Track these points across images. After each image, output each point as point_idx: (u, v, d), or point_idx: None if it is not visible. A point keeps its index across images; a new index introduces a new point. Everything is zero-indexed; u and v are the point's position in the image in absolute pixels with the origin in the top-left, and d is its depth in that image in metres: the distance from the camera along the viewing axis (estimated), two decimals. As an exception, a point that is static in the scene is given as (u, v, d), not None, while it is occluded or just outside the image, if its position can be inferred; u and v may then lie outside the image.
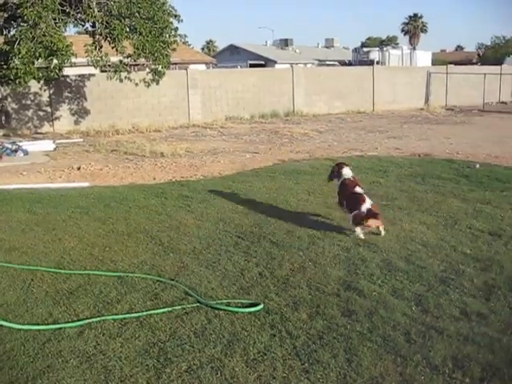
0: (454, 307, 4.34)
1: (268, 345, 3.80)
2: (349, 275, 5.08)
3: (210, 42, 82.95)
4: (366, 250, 5.79)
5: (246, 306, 4.41)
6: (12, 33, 15.45)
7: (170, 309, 4.39)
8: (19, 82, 14.19)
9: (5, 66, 14.63)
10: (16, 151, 13.93)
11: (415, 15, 72.90)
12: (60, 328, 4.10)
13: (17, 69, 13.61)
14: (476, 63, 50.20)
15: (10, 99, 19.47)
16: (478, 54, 63.18)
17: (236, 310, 4.34)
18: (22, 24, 13.77)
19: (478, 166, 10.79)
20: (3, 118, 18.81)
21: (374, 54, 42.34)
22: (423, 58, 43.10)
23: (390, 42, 72.38)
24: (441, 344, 3.76)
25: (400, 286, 4.81)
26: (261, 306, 4.37)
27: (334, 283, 4.89)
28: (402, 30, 73.99)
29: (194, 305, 4.47)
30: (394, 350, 3.69)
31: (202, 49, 76.03)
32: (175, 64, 26.18)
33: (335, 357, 3.63)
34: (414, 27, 72.37)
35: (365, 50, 47.44)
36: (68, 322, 4.20)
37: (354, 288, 4.76)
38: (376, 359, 3.59)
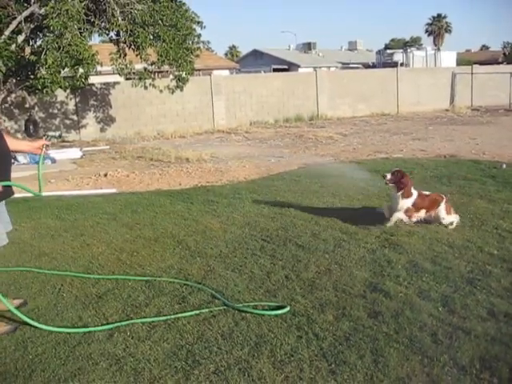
0: (481, 308, 4.32)
1: (295, 346, 3.82)
2: (375, 277, 5.08)
3: (233, 48, 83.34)
4: (392, 251, 5.79)
5: (273, 309, 4.44)
6: (38, 43, 15.74)
7: (197, 312, 4.43)
8: (46, 92, 14.43)
9: (32, 76, 14.90)
10: (44, 159, 14.12)
11: (439, 15, 72.40)
12: (90, 331, 4.17)
13: (44, 78, 13.84)
14: (502, 62, 49.52)
15: (37, 108, 19.79)
16: (504, 54, 62.30)
17: (263, 312, 4.37)
18: (48, 34, 14.01)
19: (504, 166, 10.68)
20: (31, 126, 19.08)
21: (398, 56, 42.05)
22: (448, 58, 42.68)
23: (414, 43, 71.91)
24: (468, 344, 3.74)
25: (426, 287, 4.79)
26: (287, 309, 4.39)
27: (359, 285, 4.90)
28: (426, 31, 73.54)
29: (221, 308, 4.51)
30: (420, 351, 3.69)
31: (226, 54, 76.39)
32: (199, 70, 26.35)
33: (362, 358, 3.64)
34: (438, 27, 71.86)
35: (388, 51, 47.15)
36: (97, 326, 4.27)
37: (380, 289, 4.76)
38: (403, 360, 3.59)
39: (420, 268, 5.25)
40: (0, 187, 3.96)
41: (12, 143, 4.63)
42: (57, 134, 14.42)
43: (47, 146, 4.81)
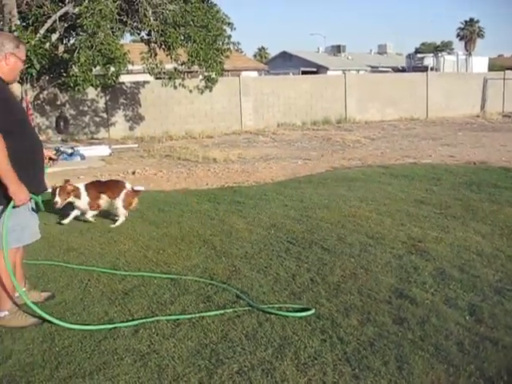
0: (509, 318, 4.25)
1: (318, 350, 3.81)
2: (401, 283, 5.05)
3: (262, 49, 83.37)
4: (419, 258, 5.74)
5: (298, 311, 4.44)
6: (71, 42, 15.96)
7: (221, 311, 4.44)
8: (78, 89, 14.60)
9: (64, 74, 15.09)
10: (71, 155, 14.31)
11: (471, 20, 71.59)
12: (115, 327, 4.22)
13: (76, 76, 14.01)
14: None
15: (68, 106, 20.07)
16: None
17: (287, 314, 4.37)
18: (81, 33, 14.19)
19: (535, 174, 10.53)
20: (62, 123, 19.36)
21: (428, 60, 41.64)
22: (479, 63, 42.16)
23: (445, 47, 71.21)
24: (495, 355, 3.69)
25: (453, 295, 4.74)
26: (312, 311, 4.38)
27: (385, 290, 4.87)
28: (458, 35, 72.79)
29: (246, 308, 4.52)
30: (446, 360, 3.65)
31: (255, 56, 76.46)
32: (228, 71, 26.43)
33: (386, 364, 3.62)
34: (469, 32, 71.08)
35: (419, 56, 46.70)
36: (123, 322, 4.31)
37: (405, 296, 4.72)
38: (428, 368, 3.56)
39: (447, 275, 5.20)
40: (29, 196, 4.02)
41: None
42: (69, 151, 14.66)
43: (53, 160, 4.87)
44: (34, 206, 4.47)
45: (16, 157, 3.95)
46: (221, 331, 4.12)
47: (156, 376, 3.52)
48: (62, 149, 4.67)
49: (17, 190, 3.92)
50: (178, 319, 4.33)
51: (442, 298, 4.67)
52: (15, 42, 4.13)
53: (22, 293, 4.27)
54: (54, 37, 14.89)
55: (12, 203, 3.96)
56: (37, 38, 13.73)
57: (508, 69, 32.57)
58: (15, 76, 4.25)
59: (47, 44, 14.43)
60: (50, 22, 14.29)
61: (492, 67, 44.15)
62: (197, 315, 4.38)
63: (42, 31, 14.15)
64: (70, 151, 14.51)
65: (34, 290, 4.84)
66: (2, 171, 3.85)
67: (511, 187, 9.30)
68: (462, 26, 71.98)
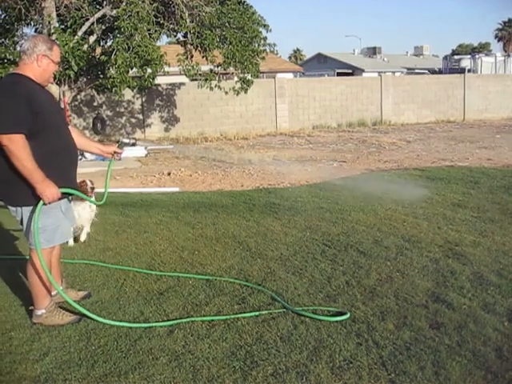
0: (549, 324, 4.17)
1: (354, 353, 3.78)
2: (437, 287, 4.98)
3: (297, 51, 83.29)
4: (456, 262, 5.65)
5: (333, 315, 4.41)
6: (109, 44, 16.15)
7: (256, 313, 4.44)
8: (115, 91, 14.77)
9: (101, 76, 15.30)
10: (134, 145, 14.39)
11: (510, 20, 70.21)
12: (151, 327, 4.25)
13: (113, 78, 14.17)
14: None
15: (104, 107, 20.34)
16: None
17: (322, 318, 4.34)
18: (118, 35, 14.34)
19: None
20: (99, 124, 19.63)
21: (466, 62, 41.05)
22: (518, 65, 41.44)
23: (483, 48, 70.15)
24: (535, 362, 3.62)
25: (491, 300, 4.66)
26: (347, 315, 4.35)
27: (422, 294, 4.81)
28: (496, 36, 71.51)
29: (281, 310, 4.51)
30: (484, 366, 3.58)
31: (290, 57, 76.44)
32: (263, 73, 26.46)
33: (422, 369, 3.57)
34: (508, 33, 69.72)
35: (455, 57, 46.08)
36: (158, 322, 4.34)
37: (442, 300, 4.66)
38: (465, 374, 3.50)
39: (485, 280, 5.11)
40: (59, 193, 4.06)
41: (85, 143, 4.78)
42: (131, 141, 14.68)
43: (118, 153, 4.91)
44: (68, 206, 4.52)
45: (45, 157, 4.01)
46: (255, 333, 4.12)
47: (190, 376, 3.53)
48: (124, 140, 4.65)
49: (44, 188, 3.96)
50: (212, 320, 4.34)
51: (480, 303, 4.59)
52: (48, 44, 4.17)
53: (60, 290, 4.34)
54: (92, 39, 15.10)
55: (41, 202, 4.01)
56: (75, 40, 13.94)
57: (548, 70, 31.92)
58: (48, 78, 4.27)
59: (85, 46, 14.64)
60: (87, 24, 14.50)
61: (532, 69, 43.25)
62: (232, 316, 4.39)
63: (79, 33, 14.37)
64: (132, 141, 14.64)
65: (71, 289, 4.91)
66: (27, 170, 3.90)
67: (551, 191, 9.11)
68: (501, 27, 70.67)
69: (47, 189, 3.97)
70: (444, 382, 3.41)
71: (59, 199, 4.12)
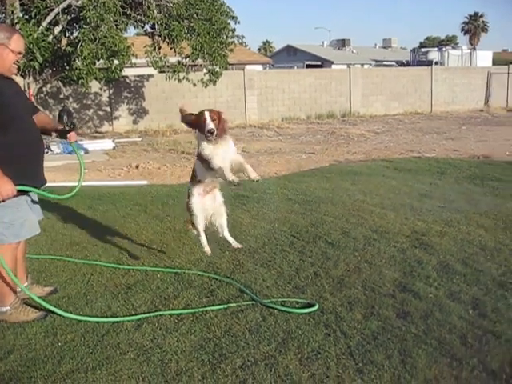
0: (512, 312, 4.24)
1: (322, 344, 3.80)
2: (404, 277, 5.03)
3: (266, 43, 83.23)
4: (423, 251, 5.72)
5: (302, 306, 4.42)
6: (75, 35, 15.92)
7: (225, 306, 4.43)
8: (81, 83, 14.58)
9: (67, 67, 15.07)
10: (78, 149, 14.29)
11: (476, 14, 71.12)
12: (119, 321, 4.21)
13: (79, 70, 13.99)
14: (540, 63, 48.53)
15: (71, 99, 20.07)
16: (542, 54, 61.14)
17: (291, 310, 4.34)
18: (84, 26, 14.15)
19: (540, 168, 10.48)
20: (65, 117, 19.27)
21: (433, 55, 41.60)
22: (483, 58, 42.11)
23: (450, 41, 70.98)
24: (498, 349, 3.67)
25: (457, 288, 4.72)
26: (316, 307, 4.36)
27: (389, 284, 4.85)
28: (462, 30, 72.35)
29: (249, 302, 4.51)
30: (449, 354, 3.63)
31: (259, 49, 76.35)
32: (232, 65, 26.37)
33: (389, 358, 3.60)
34: (474, 26, 70.62)
35: (423, 50, 46.69)
36: (126, 316, 4.30)
37: (409, 290, 4.70)
38: (431, 362, 3.54)
39: (451, 269, 5.18)
40: (14, 191, 3.98)
41: (50, 123, 4.70)
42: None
43: (69, 133, 4.82)
44: (34, 199, 4.45)
45: (6, 152, 3.93)
46: (224, 325, 4.11)
47: (159, 371, 3.51)
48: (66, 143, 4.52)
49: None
50: (181, 314, 4.32)
51: (446, 291, 4.65)
52: (7, 33, 4.03)
53: (24, 288, 4.27)
54: (57, 30, 14.86)
55: None
56: (39, 31, 13.69)
57: (512, 63, 32.41)
58: (8, 68, 4.10)
59: (50, 37, 14.41)
60: (52, 14, 14.25)
61: (496, 62, 43.95)
62: (200, 310, 4.37)
63: (44, 24, 14.11)
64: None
65: (37, 285, 4.83)
66: None
67: (516, 181, 9.27)
68: (467, 21, 71.48)
69: (2, 186, 3.88)
70: (410, 370, 3.45)
71: (15, 196, 4.02)
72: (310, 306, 4.38)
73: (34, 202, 4.42)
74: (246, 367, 3.52)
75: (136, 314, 4.33)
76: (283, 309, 4.35)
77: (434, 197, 8.25)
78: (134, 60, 15.08)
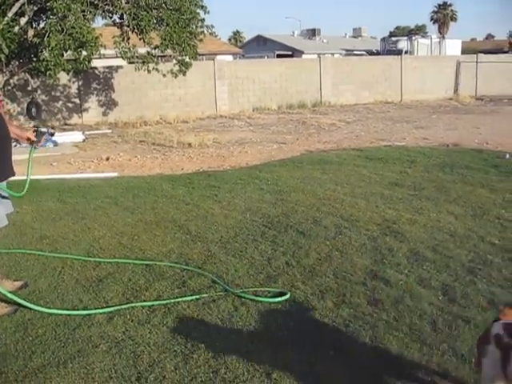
0: (481, 297, 4.31)
1: (294, 332, 3.82)
2: (375, 264, 5.08)
3: (236, 33, 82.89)
4: (393, 239, 5.78)
5: (274, 295, 4.43)
6: (41, 25, 15.63)
7: (197, 296, 4.43)
8: (49, 74, 14.35)
9: (35, 59, 14.82)
10: (53, 135, 14.07)
11: (444, 3, 71.54)
12: (90, 314, 4.18)
13: (47, 61, 13.76)
14: (507, 52, 49.14)
15: (39, 91, 19.73)
16: (510, 43, 61.68)
17: (263, 299, 4.36)
18: (51, 17, 13.91)
19: (508, 156, 10.62)
20: (33, 109, 19.03)
21: (403, 44, 41.83)
22: (453, 46, 42.48)
23: (419, 31, 71.39)
24: (468, 334, 3.74)
25: (427, 275, 4.79)
26: (287, 296, 4.38)
27: (360, 272, 4.90)
28: (431, 19, 72.76)
29: (221, 293, 4.51)
30: (420, 339, 3.69)
31: (229, 40, 75.99)
32: (202, 55, 26.21)
33: (361, 345, 3.64)
34: (443, 16, 71.05)
35: (393, 39, 46.92)
36: (98, 309, 4.27)
37: (380, 277, 4.75)
38: (402, 348, 3.59)
39: (421, 256, 5.25)
40: None
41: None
42: (49, 131, 14.21)
43: (32, 141, 4.69)
44: (2, 193, 4.38)
45: None
46: (196, 316, 4.11)
47: (131, 363, 3.50)
48: (42, 129, 4.46)
49: None
50: (153, 305, 4.31)
51: (416, 278, 4.72)
52: None
53: None
54: (23, 20, 14.58)
55: None
56: (5, 22, 13.41)
57: (480, 52, 32.79)
58: None
59: (16, 28, 14.13)
60: (18, 4, 13.95)
61: (465, 51, 44.33)
62: (172, 301, 4.36)
63: (10, 14, 13.81)
64: (51, 131, 14.24)
65: (7, 280, 4.76)
66: None
67: (483, 169, 9.41)
68: (436, 10, 71.93)
69: None
70: (382, 356, 3.49)
71: None
72: (282, 294, 4.40)
73: (2, 196, 4.35)
74: (218, 357, 3.53)
75: (107, 307, 4.30)
76: (255, 298, 4.36)
77: (404, 185, 8.32)
78: (102, 51, 14.88)
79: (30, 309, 4.20)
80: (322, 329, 3.87)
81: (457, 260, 5.14)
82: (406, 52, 38.41)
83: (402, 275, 4.80)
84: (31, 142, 4.68)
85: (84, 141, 15.54)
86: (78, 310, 4.28)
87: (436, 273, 4.84)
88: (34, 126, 4.84)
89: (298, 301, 4.33)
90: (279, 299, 4.33)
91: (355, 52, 47.56)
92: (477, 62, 28.70)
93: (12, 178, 4.52)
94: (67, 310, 4.27)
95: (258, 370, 3.38)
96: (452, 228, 6.13)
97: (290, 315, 4.09)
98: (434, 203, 7.23)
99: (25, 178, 4.77)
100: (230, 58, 34.15)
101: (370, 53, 46.57)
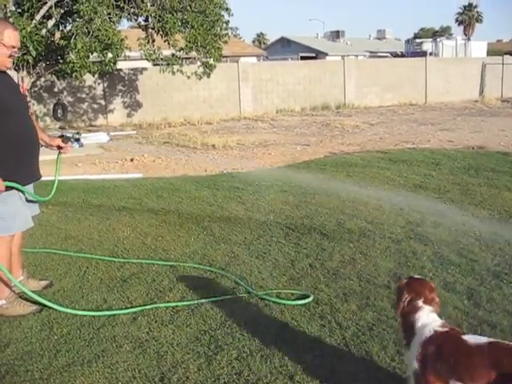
0: (507, 302, 4.25)
1: (317, 335, 3.81)
2: (399, 267, 5.04)
3: (260, 35, 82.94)
4: (418, 242, 5.74)
5: (297, 298, 4.43)
6: (68, 28, 15.83)
7: (220, 298, 4.44)
8: (75, 76, 14.52)
9: (61, 61, 15.00)
10: (78, 140, 14.29)
11: (470, 5, 70.88)
12: (114, 314, 4.21)
13: (73, 63, 13.92)
14: (534, 53, 48.56)
15: (65, 93, 19.99)
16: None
17: (286, 302, 4.35)
18: (77, 19, 14.07)
19: (534, 158, 10.48)
20: (59, 111, 19.27)
21: (427, 45, 41.50)
22: (478, 48, 42.05)
23: (444, 32, 70.85)
24: (494, 338, 3.69)
25: (452, 279, 4.75)
26: (311, 298, 4.37)
27: (384, 275, 4.86)
28: (457, 21, 72.17)
29: (245, 295, 4.52)
30: (444, 344, 3.65)
31: (253, 41, 76.08)
32: (226, 57, 26.32)
33: (385, 348, 3.61)
34: (468, 17, 70.42)
35: (417, 41, 46.56)
36: (122, 309, 4.31)
37: (404, 280, 4.71)
38: (426, 352, 3.55)
39: (445, 260, 5.20)
40: (2, 187, 3.95)
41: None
42: (74, 136, 14.44)
43: (61, 148, 4.76)
44: (27, 196, 4.43)
45: None
46: (219, 317, 4.12)
47: (155, 363, 3.52)
48: (67, 134, 4.58)
49: None
50: (176, 306, 4.33)
51: (441, 282, 4.67)
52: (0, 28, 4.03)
53: (17, 283, 4.26)
54: (51, 23, 14.78)
55: None
56: (32, 25, 13.63)
57: (506, 53, 32.40)
58: (1, 61, 4.10)
59: (43, 30, 14.33)
60: (45, 8, 14.17)
61: (491, 52, 43.93)
62: (195, 302, 4.38)
63: (37, 17, 14.04)
64: (76, 136, 14.45)
65: (32, 279, 4.82)
66: None
67: (509, 172, 9.29)
68: (461, 11, 71.31)
69: None
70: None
71: (7, 190, 4.00)
72: (305, 297, 4.39)
73: (29, 196, 4.40)
74: (241, 358, 3.53)
75: (132, 307, 4.33)
76: (278, 301, 4.36)
77: (428, 188, 8.26)
78: (127, 53, 15.01)
79: (55, 309, 4.24)
80: (345, 332, 3.85)
81: (482, 264, 5.09)
82: (430, 54, 38.13)
83: (427, 279, 4.74)
84: (59, 149, 4.76)
85: (109, 142, 15.68)
86: (102, 309, 4.32)
87: (461, 277, 4.79)
88: (61, 135, 4.91)
89: (321, 303, 4.31)
90: (302, 302, 4.32)
91: (379, 54, 47.34)
92: (503, 64, 28.37)
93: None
94: (92, 310, 4.30)
95: (280, 372, 3.37)
96: (477, 231, 6.06)
97: (313, 318, 4.07)
98: (459, 206, 7.17)
99: (51, 178, 4.83)
100: (253, 59, 34.26)
101: (395, 55, 46.31)
